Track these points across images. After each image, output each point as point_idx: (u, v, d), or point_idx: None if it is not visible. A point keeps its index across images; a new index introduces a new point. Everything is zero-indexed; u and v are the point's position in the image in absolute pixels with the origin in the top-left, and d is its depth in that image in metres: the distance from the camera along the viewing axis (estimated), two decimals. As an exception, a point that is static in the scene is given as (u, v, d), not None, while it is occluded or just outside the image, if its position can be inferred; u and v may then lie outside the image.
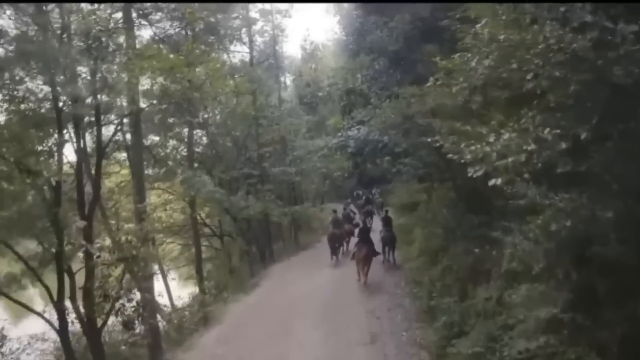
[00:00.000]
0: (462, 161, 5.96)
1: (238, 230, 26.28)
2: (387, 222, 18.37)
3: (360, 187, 34.08)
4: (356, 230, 19.19)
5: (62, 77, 11.18)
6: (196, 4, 18.55)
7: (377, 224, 22.10)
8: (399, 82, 15.73)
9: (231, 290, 21.75)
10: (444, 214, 15.58)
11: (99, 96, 11.51)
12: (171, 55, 12.78)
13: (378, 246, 16.88)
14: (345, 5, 19.34)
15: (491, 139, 5.71)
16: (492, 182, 5.55)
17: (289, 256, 25.60)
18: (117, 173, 23.31)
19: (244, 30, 25.42)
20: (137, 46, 15.40)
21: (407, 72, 15.66)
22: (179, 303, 24.00)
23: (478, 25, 7.54)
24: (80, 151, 12.78)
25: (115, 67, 11.40)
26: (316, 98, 26.00)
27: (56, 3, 11.87)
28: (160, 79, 12.81)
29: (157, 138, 22.10)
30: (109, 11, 12.30)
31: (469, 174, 5.71)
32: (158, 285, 20.64)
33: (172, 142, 23.33)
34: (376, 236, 17.73)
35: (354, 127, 16.59)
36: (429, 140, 9.47)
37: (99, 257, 12.20)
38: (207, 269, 26.52)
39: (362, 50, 17.03)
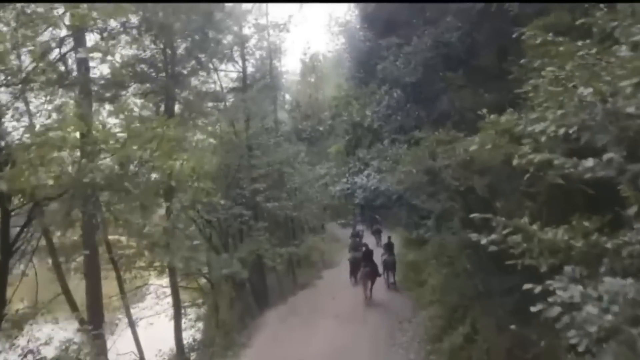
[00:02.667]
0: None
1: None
2: (389, 247, 19.17)
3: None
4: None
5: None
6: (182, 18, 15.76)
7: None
8: (418, 121, 12.87)
9: (218, 349, 18.90)
10: (464, 261, 12.82)
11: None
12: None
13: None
14: (351, 22, 16.49)
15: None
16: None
17: (286, 297, 22.98)
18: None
19: (236, 47, 22.58)
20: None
21: (428, 108, 12.82)
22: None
23: (549, 70, 5.59)
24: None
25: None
26: (316, 132, 22.89)
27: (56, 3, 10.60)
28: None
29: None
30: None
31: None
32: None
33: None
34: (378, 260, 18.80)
35: (362, 173, 13.73)
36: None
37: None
38: (191, 317, 23.48)
39: (371, 80, 14.18)
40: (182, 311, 21.94)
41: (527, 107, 9.49)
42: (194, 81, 19.71)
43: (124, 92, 17.39)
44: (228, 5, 20.01)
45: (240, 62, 24.61)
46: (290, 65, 64.50)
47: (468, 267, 12.49)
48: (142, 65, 16.25)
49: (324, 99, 23.07)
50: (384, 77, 13.09)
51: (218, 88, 24.31)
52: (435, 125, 12.92)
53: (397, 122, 12.63)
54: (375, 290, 18.31)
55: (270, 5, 25.94)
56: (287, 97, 28.60)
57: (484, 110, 7.32)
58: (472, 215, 5.91)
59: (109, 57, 16.17)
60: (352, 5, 17.94)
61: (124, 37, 15.95)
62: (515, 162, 6.71)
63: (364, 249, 19.78)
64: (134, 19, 14.38)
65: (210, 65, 21.27)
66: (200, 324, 24.71)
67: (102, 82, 16.86)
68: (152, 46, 15.70)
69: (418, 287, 18.19)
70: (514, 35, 6.91)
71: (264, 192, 21.76)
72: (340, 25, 18.20)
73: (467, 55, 12.52)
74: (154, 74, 17.36)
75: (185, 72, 18.52)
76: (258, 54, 26.88)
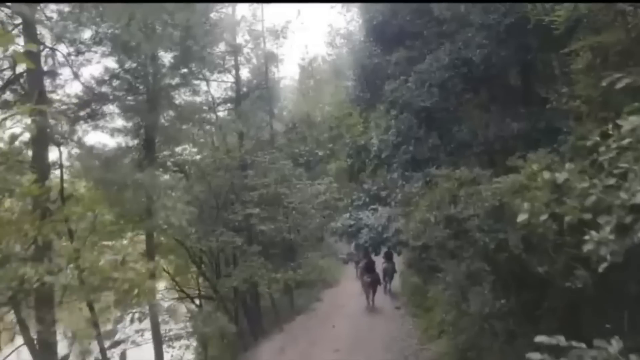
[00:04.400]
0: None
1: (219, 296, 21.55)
2: (388, 255, 18.75)
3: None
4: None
5: None
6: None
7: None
8: (433, 150, 11.08)
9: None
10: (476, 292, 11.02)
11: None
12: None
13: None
14: (354, 33, 14.67)
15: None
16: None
17: (282, 324, 21.22)
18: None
19: (228, 57, 20.78)
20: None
21: (446, 136, 11.03)
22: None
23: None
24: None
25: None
26: (315, 156, 20.89)
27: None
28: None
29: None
30: None
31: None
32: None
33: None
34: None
35: (367, 208, 11.91)
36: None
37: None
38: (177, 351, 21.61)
39: (378, 101, 12.39)
40: (168, 341, 20.22)
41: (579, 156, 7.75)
42: (179, 96, 17.83)
43: (100, 111, 15.62)
44: (216, 14, 18.34)
45: (233, 72, 22.98)
46: (288, 71, 62.89)
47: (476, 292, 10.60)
48: (118, 81, 14.40)
49: (323, 119, 21.04)
50: (394, 99, 11.29)
51: (210, 98, 22.82)
52: (454, 156, 11.14)
53: (409, 153, 10.85)
54: (381, 319, 16.86)
55: (267, 10, 24.33)
56: (284, 103, 26.84)
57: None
58: (537, 339, 4.08)
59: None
60: (355, 14, 16.13)
61: (100, 50, 14.14)
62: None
63: (366, 260, 18.62)
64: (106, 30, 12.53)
65: (200, 77, 19.51)
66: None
67: (76, 100, 15.16)
68: (130, 61, 13.81)
69: (424, 314, 16.56)
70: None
71: (259, 215, 19.95)
72: (343, 37, 16.28)
73: (490, 76, 10.74)
74: (133, 91, 15.55)
75: (172, 83, 16.66)
76: (253, 62, 25.22)
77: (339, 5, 16.72)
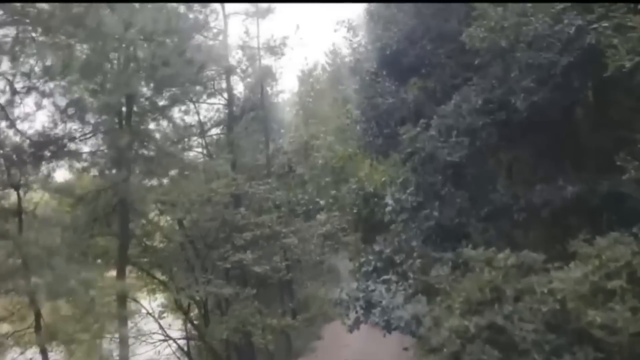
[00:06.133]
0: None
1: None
2: None
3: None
4: None
5: None
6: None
7: None
8: (461, 213, 8.88)
9: None
10: None
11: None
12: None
13: None
14: (361, 61, 12.49)
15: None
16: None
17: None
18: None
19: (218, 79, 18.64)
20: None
21: (478, 199, 8.84)
22: None
23: None
24: None
25: None
26: (315, 205, 18.46)
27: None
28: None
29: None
30: None
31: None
32: None
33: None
34: None
35: (379, 277, 9.67)
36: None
37: None
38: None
39: (392, 149, 10.19)
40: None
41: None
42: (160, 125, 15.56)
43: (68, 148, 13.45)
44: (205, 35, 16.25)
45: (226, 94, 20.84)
46: (286, 84, 60.68)
47: None
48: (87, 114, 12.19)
49: (325, 160, 18.63)
50: (413, 150, 9.09)
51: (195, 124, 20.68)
52: (488, 223, 8.92)
53: (432, 219, 8.66)
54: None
55: (263, 26, 22.19)
56: (282, 123, 24.61)
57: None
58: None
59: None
60: (362, 38, 13.90)
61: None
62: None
63: None
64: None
65: (186, 102, 17.34)
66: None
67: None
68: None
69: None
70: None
71: (253, 253, 17.74)
72: (348, 67, 13.90)
73: (536, 124, 8.54)
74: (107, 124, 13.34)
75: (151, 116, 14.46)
76: (247, 81, 23.06)
77: (343, 29, 14.46)
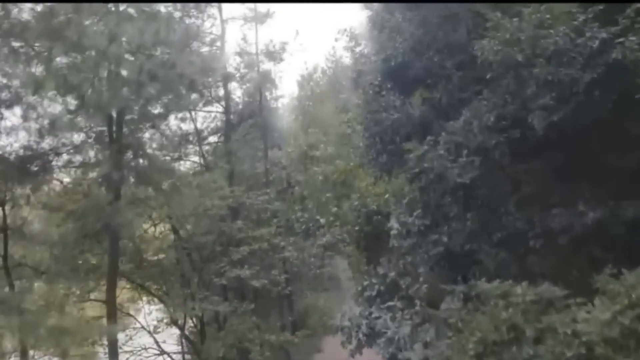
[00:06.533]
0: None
1: None
2: None
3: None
4: None
5: None
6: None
7: None
8: (471, 238, 8.26)
9: None
10: None
11: None
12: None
13: None
14: (364, 71, 11.87)
15: None
16: None
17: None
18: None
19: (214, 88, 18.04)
20: None
21: (491, 222, 8.23)
22: None
23: None
24: None
25: None
26: (315, 223, 17.48)
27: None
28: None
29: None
30: None
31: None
32: None
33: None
34: None
35: (383, 304, 9.03)
36: None
37: None
38: None
39: (397, 168, 9.55)
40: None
41: None
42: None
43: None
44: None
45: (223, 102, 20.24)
46: (286, 88, 59.99)
47: None
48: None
49: (325, 176, 17.78)
50: (420, 170, 8.46)
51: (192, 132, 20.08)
52: (502, 249, 8.28)
53: (441, 245, 8.04)
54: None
55: (262, 31, 21.63)
56: (281, 131, 23.96)
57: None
58: None
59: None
60: (365, 47, 13.24)
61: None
62: None
63: None
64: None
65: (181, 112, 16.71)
66: None
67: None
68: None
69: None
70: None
71: (251, 268, 17.09)
72: (350, 77, 13.18)
73: (553, 142, 7.92)
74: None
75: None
76: (246, 87, 22.47)
77: (345, 38, 13.79)
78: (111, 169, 11.99)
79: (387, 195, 10.77)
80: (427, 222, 8.49)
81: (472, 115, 8.67)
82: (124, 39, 8.03)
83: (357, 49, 14.47)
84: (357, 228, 11.71)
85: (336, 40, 13.92)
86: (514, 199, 8.19)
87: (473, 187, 8.27)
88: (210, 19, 20.25)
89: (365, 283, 10.03)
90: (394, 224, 9.13)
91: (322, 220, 16.35)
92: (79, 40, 6.96)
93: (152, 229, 18.67)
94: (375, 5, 12.01)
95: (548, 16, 7.15)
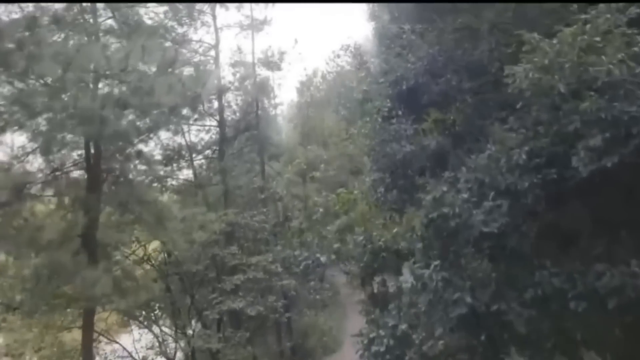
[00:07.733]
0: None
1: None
2: None
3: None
4: None
5: None
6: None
7: None
8: (499, 299, 7.04)
9: None
10: None
11: None
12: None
13: None
14: (370, 92, 10.59)
15: None
16: None
17: None
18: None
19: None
20: None
21: (521, 279, 6.99)
22: None
23: None
24: None
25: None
26: (316, 261, 16.21)
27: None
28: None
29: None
30: None
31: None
32: None
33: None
34: None
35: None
36: None
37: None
38: None
39: (410, 209, 8.26)
40: None
41: None
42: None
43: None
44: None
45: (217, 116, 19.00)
46: (285, 96, 58.72)
47: None
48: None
49: (326, 206, 16.50)
50: (439, 215, 7.19)
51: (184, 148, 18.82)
52: (534, 311, 7.00)
53: (464, 306, 6.81)
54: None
55: (258, 37, 20.50)
56: (280, 144, 22.73)
57: None
58: None
59: None
60: (370, 64, 11.94)
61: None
62: None
63: None
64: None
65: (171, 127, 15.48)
66: None
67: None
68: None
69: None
70: None
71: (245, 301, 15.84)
72: (354, 99, 11.78)
73: (598, 186, 6.65)
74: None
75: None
76: (242, 98, 21.27)
77: (349, 54, 12.49)
78: (87, 198, 10.80)
79: (395, 229, 9.49)
80: (446, 276, 7.23)
81: (498, 150, 7.39)
82: (91, 64, 6.77)
83: (362, 67, 13.09)
84: (362, 265, 10.54)
85: (338, 56, 12.57)
86: (549, 252, 6.92)
87: (501, 236, 6.99)
88: (204, 27, 19.16)
89: (372, 335, 8.74)
90: (407, 277, 7.88)
91: (323, 259, 15.03)
92: (27, 68, 5.72)
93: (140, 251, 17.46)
94: (382, 15, 10.79)
95: (597, 39, 5.88)
